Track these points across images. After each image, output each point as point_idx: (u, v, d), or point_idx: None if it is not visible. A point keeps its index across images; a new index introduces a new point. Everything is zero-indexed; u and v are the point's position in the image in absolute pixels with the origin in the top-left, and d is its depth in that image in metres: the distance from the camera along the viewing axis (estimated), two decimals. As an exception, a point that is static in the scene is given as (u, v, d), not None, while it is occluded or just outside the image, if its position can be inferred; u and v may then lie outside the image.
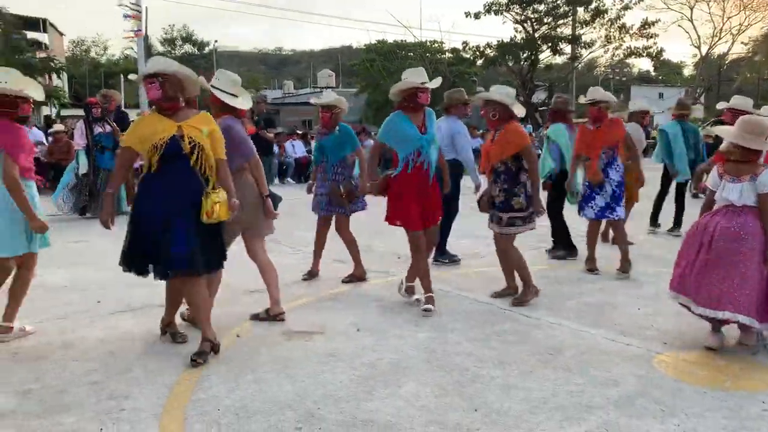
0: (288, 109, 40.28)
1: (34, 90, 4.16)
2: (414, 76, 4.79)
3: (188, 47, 58.22)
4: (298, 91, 49.66)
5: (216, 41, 61.85)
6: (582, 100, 6.25)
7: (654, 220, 8.46)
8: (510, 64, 29.00)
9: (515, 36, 28.74)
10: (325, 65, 56.62)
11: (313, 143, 16.06)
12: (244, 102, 4.47)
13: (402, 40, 36.64)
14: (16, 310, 4.24)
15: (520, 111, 5.03)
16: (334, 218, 5.85)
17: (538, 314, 4.79)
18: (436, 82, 4.89)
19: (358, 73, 39.21)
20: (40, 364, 3.77)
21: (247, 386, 3.44)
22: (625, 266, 5.96)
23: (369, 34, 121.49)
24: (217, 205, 3.69)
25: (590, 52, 29.76)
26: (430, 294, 4.88)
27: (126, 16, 20.42)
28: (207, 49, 57.11)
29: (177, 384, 3.46)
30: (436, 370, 3.68)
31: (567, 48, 28.91)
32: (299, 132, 18.65)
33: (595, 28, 28.34)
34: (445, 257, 6.48)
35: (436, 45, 34.55)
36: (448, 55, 34.20)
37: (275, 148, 16.53)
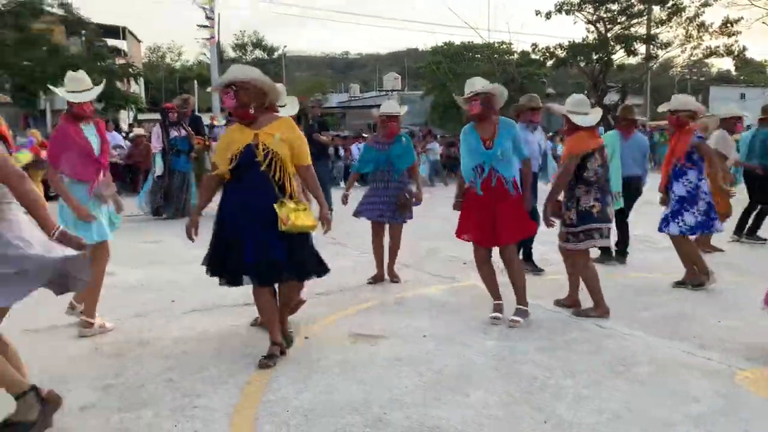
0: (354, 112, 40.69)
1: (60, 90, 4.39)
2: (466, 87, 4.68)
3: (258, 52, 59.63)
4: (364, 94, 50.06)
5: (285, 46, 63.26)
6: (661, 108, 6.04)
7: (741, 229, 8.09)
8: (581, 65, 28.34)
9: (587, 36, 28.07)
10: (391, 68, 56.87)
11: (355, 149, 16.25)
12: (290, 109, 4.64)
13: (469, 42, 36.40)
14: (93, 304, 4.42)
15: (587, 120, 4.81)
16: (388, 225, 5.91)
17: (610, 324, 4.64)
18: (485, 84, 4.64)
19: (424, 75, 39.20)
20: (120, 361, 3.93)
21: (316, 388, 3.48)
22: (698, 278, 5.69)
23: (435, 36, 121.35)
24: (293, 213, 3.61)
25: (666, 52, 28.73)
26: (519, 306, 4.72)
27: (201, 26, 21.10)
28: (276, 54, 58.33)
29: (248, 384, 3.54)
30: (503, 379, 3.62)
31: (642, 48, 28.00)
32: (365, 135, 18.79)
33: (672, 27, 27.34)
34: (528, 266, 6.24)
35: (505, 46, 34.13)
36: (516, 56, 33.74)
37: (341, 151, 16.76)
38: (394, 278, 5.98)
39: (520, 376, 3.65)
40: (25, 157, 9.89)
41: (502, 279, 4.87)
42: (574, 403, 3.30)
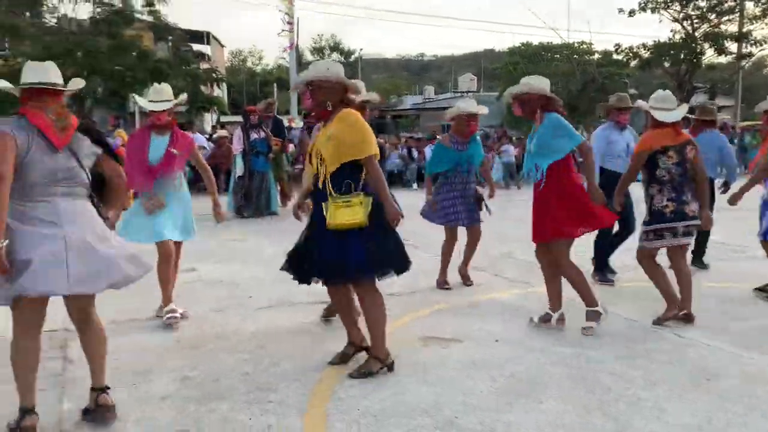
0: (428, 114, 40.63)
1: (141, 99, 4.75)
2: (514, 88, 4.65)
3: (336, 55, 60.68)
4: (438, 96, 49.91)
5: (361, 49, 63.96)
6: (760, 106, 5.72)
7: None
8: (666, 65, 27.20)
9: (673, 35, 26.91)
10: (467, 69, 56.44)
11: (429, 151, 16.15)
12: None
13: (548, 42, 35.66)
14: (165, 296, 4.66)
15: (669, 116, 4.65)
16: (468, 229, 5.84)
17: (692, 334, 4.43)
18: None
19: (501, 76, 38.68)
20: (198, 353, 4.08)
21: (386, 389, 3.49)
22: None
23: (513, 36, 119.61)
24: (338, 210, 3.46)
25: (761, 50, 27.13)
26: (587, 309, 4.55)
27: (282, 31, 21.63)
28: (353, 57, 59.14)
29: (320, 382, 3.59)
30: (578, 388, 3.52)
31: (733, 46, 26.58)
32: (438, 137, 18.73)
33: (767, 23, 25.81)
34: (602, 276, 6.03)
35: (585, 46, 33.22)
36: (597, 56, 32.78)
37: (414, 153, 16.77)
38: (467, 281, 5.92)
39: (595, 385, 3.54)
40: None
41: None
42: (652, 415, 3.17)
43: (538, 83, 4.55)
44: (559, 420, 3.12)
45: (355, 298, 3.91)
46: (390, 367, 3.72)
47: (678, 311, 4.67)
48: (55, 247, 2.80)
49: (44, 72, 2.97)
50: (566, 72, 32.41)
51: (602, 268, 6.06)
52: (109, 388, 3.13)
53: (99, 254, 2.88)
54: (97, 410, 3.06)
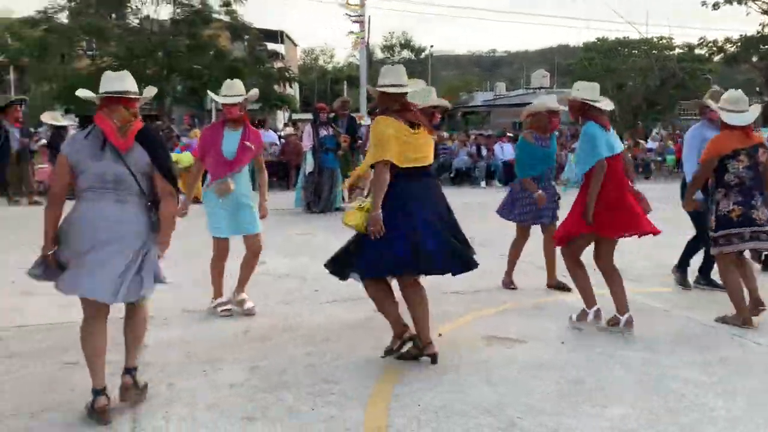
0: (499, 110, 40.10)
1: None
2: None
3: (406, 53, 60.75)
4: (510, 92, 49.14)
5: (432, 46, 63.56)
6: None
7: None
8: (754, 59, 25.81)
9: (762, 28, 25.49)
10: (540, 65, 55.30)
11: (498, 148, 15.87)
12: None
13: (625, 37, 34.52)
14: (241, 285, 4.89)
15: (739, 118, 4.45)
16: (547, 228, 5.70)
17: (774, 343, 4.22)
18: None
19: (575, 72, 37.75)
20: (266, 344, 4.20)
21: (448, 386, 3.49)
22: None
23: (589, 31, 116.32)
24: (350, 212, 3.78)
25: None
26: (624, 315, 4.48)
27: (351, 33, 21.81)
28: (423, 55, 59.01)
29: (382, 376, 3.64)
30: (647, 394, 3.42)
31: (828, 38, 24.96)
32: (509, 134, 18.46)
33: None
34: (681, 278, 5.81)
35: (664, 41, 31.98)
36: (678, 50, 31.50)
37: (483, 151, 16.59)
38: (563, 287, 5.58)
39: (665, 392, 3.42)
40: (188, 158, 10.80)
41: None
42: (726, 425, 3.04)
43: (581, 90, 4.56)
44: (624, 425, 3.04)
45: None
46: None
47: (743, 319, 4.52)
48: (93, 254, 2.99)
49: (119, 81, 3.17)
50: (644, 68, 31.29)
51: (683, 268, 5.83)
52: (136, 369, 3.27)
53: (117, 268, 3.01)
54: (120, 388, 3.21)
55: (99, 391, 3.10)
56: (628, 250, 7.21)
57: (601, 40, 35.78)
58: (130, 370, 3.25)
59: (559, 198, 5.77)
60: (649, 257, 6.74)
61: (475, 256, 3.98)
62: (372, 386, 3.49)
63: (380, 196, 3.66)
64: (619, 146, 4.58)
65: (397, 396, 3.37)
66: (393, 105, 3.82)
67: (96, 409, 3.07)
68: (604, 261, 4.59)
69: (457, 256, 3.82)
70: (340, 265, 3.91)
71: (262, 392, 3.42)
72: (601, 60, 33.20)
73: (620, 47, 34.63)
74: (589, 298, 4.61)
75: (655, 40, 32.14)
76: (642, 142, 20.29)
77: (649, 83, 31.15)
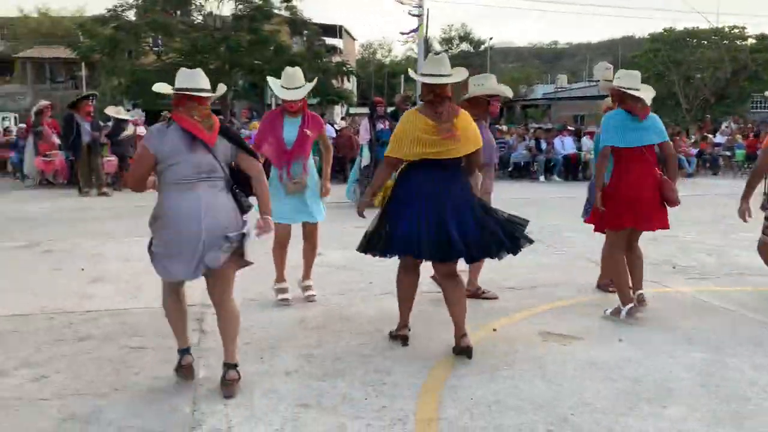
0: (560, 104, 39.33)
1: (275, 85, 4.88)
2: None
3: (465, 46, 60.12)
4: (572, 85, 48.09)
5: (491, 38, 62.66)
6: None
7: None
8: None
9: None
10: (603, 58, 53.86)
11: (558, 142, 15.46)
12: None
13: (694, 27, 33.22)
14: (307, 272, 5.06)
15: None
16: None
17: None
18: None
19: (640, 64, 36.62)
20: (321, 333, 4.27)
21: (501, 381, 3.47)
22: None
23: (655, 22, 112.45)
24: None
25: None
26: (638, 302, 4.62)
27: (412, 14, 21.69)
28: (483, 47, 58.28)
29: (434, 368, 3.64)
30: (709, 396, 3.30)
31: None
32: (570, 128, 18.07)
33: None
34: None
35: (737, 31, 30.62)
36: (750, 41, 30.11)
37: (543, 144, 16.31)
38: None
39: (730, 396, 3.30)
40: None
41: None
42: (794, 432, 2.91)
43: (622, 78, 4.53)
44: (684, 427, 2.96)
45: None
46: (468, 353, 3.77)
47: None
48: (192, 239, 3.19)
49: (193, 79, 3.34)
50: (714, 59, 30.05)
51: None
52: (237, 365, 3.34)
53: (221, 238, 3.24)
54: (222, 383, 3.30)
55: (184, 350, 3.47)
56: (695, 248, 7.01)
57: (668, 30, 34.52)
58: (229, 365, 3.33)
59: None
60: (716, 254, 6.51)
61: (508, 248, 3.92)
62: (424, 378, 3.50)
63: (376, 186, 4.00)
64: (648, 139, 4.48)
65: (450, 388, 3.37)
66: (428, 95, 3.82)
67: (183, 366, 3.43)
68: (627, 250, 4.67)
69: (452, 246, 3.74)
70: (366, 246, 4.07)
71: (317, 380, 3.48)
72: (668, 51, 32.03)
73: (689, 38, 33.37)
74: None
75: (726, 30, 30.82)
76: (710, 136, 19.54)
77: (719, 75, 29.93)
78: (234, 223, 3.29)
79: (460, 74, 3.96)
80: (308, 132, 4.79)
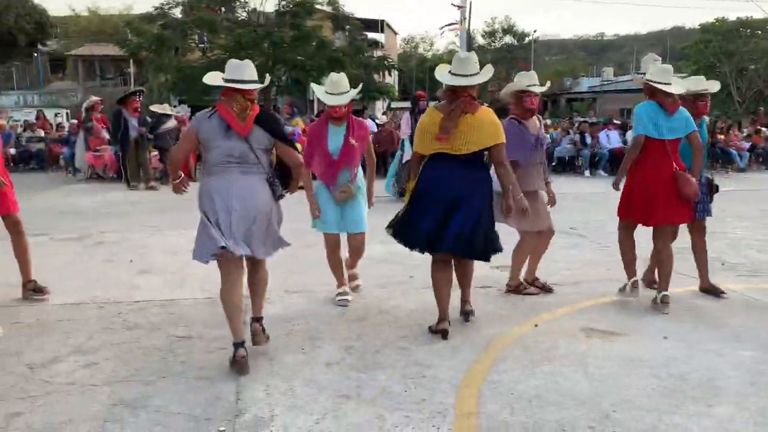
0: (605, 97, 38.53)
1: (319, 90, 4.88)
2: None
3: (508, 39, 59.31)
4: (618, 78, 47.00)
5: (535, 31, 61.66)
6: None
7: None
8: None
9: None
10: (651, 49, 52.47)
11: (603, 136, 15.14)
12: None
13: (747, 17, 32.11)
14: (336, 278, 4.97)
15: None
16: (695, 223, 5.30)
17: None
18: None
19: (690, 56, 35.58)
20: (362, 325, 4.31)
21: (543, 376, 3.45)
22: None
23: (706, 12, 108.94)
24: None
25: None
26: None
27: (454, 5, 21.55)
28: (527, 40, 57.40)
29: (475, 362, 3.64)
30: (759, 395, 3.21)
31: None
32: (616, 122, 17.69)
33: None
34: None
35: (793, 19, 29.48)
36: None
37: (587, 138, 16.01)
38: (715, 290, 5.01)
39: (779, 395, 3.21)
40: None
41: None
42: None
43: (653, 73, 4.59)
44: (731, 426, 2.88)
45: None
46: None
47: None
48: (223, 216, 3.45)
49: (239, 71, 3.53)
50: (767, 49, 29.02)
51: None
52: (262, 318, 3.81)
53: (254, 226, 3.53)
54: (252, 333, 3.73)
55: (238, 344, 3.52)
56: (746, 244, 6.80)
57: (720, 20, 33.43)
58: (257, 319, 3.78)
59: (712, 190, 5.06)
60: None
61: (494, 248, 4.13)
62: (464, 372, 3.50)
63: (411, 178, 4.18)
64: (677, 133, 4.51)
65: (490, 383, 3.36)
66: (448, 92, 4.02)
67: (237, 359, 3.48)
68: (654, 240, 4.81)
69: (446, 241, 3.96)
70: (393, 231, 4.25)
71: (357, 371, 3.52)
72: (719, 42, 31.05)
73: (741, 28, 32.26)
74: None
75: (782, 18, 29.71)
76: (764, 129, 18.86)
77: (772, 67, 28.90)
78: (264, 206, 3.54)
79: (484, 74, 4.08)
80: (353, 142, 4.73)
